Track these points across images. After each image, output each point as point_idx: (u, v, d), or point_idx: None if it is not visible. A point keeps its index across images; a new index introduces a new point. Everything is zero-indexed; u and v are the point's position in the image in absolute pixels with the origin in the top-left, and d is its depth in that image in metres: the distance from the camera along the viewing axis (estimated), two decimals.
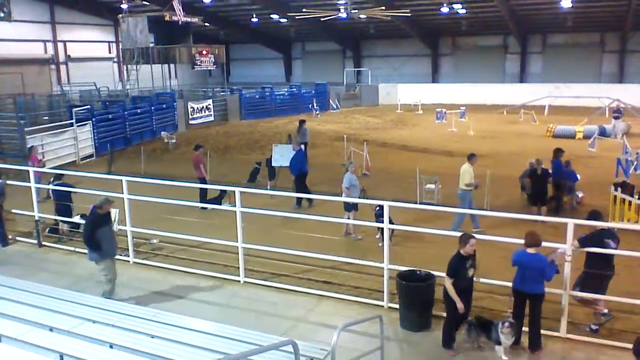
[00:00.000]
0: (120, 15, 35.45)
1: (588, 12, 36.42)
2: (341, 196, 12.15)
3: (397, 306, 8.50)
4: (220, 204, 13.76)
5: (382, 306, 8.78)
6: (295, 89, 39.54)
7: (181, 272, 10.26)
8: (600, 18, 37.84)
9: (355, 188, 12.24)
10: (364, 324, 7.38)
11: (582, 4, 33.73)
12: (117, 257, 10.95)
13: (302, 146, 16.61)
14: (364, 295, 9.20)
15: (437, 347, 7.75)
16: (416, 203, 13.78)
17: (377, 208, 10.92)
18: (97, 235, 8.75)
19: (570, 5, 32.77)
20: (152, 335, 6.29)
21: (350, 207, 11.93)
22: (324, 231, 11.78)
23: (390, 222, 10.53)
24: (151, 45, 34.75)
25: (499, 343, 7.31)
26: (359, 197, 12.38)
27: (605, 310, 8.02)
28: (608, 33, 40.17)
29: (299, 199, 14.48)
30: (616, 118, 25.28)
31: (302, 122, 20.89)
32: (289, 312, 8.81)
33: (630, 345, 7.45)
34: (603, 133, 24.16)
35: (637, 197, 12.49)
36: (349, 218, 11.90)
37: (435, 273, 8.38)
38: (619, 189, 12.90)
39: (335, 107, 38.94)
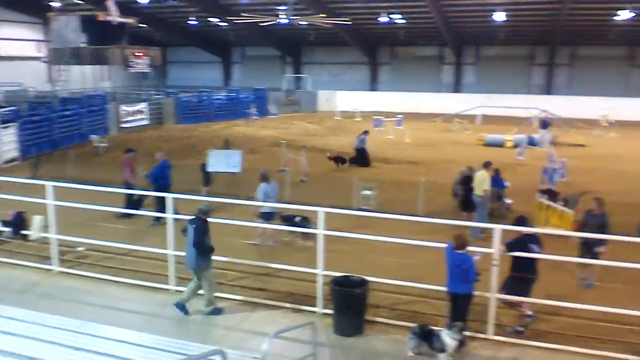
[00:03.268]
0: (50, 14, 34.05)
1: (519, 25, 38.01)
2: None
3: (331, 312, 8.50)
4: (139, 209, 13.44)
5: (316, 312, 8.77)
6: (234, 94, 39.15)
7: (108, 281, 9.90)
8: (530, 32, 39.58)
9: (271, 199, 12.12)
10: (297, 330, 7.33)
11: (513, 18, 35.18)
12: (40, 265, 10.56)
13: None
14: (299, 301, 9.16)
15: (369, 352, 7.80)
16: (351, 209, 13.88)
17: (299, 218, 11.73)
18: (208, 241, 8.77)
19: (502, 19, 34.14)
20: (76, 348, 6.07)
21: (268, 217, 11.81)
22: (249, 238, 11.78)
23: (306, 227, 11.06)
24: (82, 45, 33.57)
25: (442, 351, 7.40)
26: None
27: (530, 312, 8.31)
28: (537, 47, 42.03)
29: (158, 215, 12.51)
30: (543, 128, 26.45)
31: (365, 132, 22.33)
32: (222, 321, 8.67)
33: (554, 346, 7.79)
34: (532, 142, 25.20)
35: (561, 203, 13.06)
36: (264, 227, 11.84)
37: (369, 278, 8.45)
38: (545, 195, 13.48)
39: (274, 112, 38.83)
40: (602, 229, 9.51)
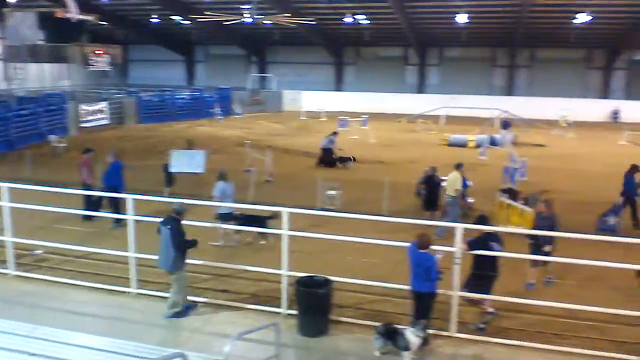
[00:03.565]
0: (5, 9, 32.99)
1: (481, 28, 38.68)
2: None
3: (296, 312, 8.46)
4: (98, 210, 13.14)
5: (281, 313, 8.71)
6: (197, 93, 38.64)
7: (67, 285, 9.62)
8: (491, 34, 40.33)
9: (228, 198, 12.04)
10: (261, 332, 7.25)
11: (475, 20, 35.79)
12: None
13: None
14: (263, 302, 9.08)
15: (333, 352, 7.79)
16: (316, 209, 13.86)
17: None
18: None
19: (465, 21, 34.68)
20: (30, 353, 5.88)
21: (226, 217, 11.69)
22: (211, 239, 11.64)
23: (262, 226, 11.06)
24: (40, 42, 32.67)
25: (407, 349, 7.44)
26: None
27: (491, 310, 8.44)
28: (498, 49, 42.87)
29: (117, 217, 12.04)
30: (505, 128, 26.96)
31: (334, 133, 22.59)
32: (185, 323, 8.52)
33: (515, 342, 7.92)
34: (494, 142, 25.65)
35: (521, 202, 13.32)
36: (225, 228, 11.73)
37: (333, 278, 8.45)
38: (506, 194, 13.71)
39: (238, 112, 38.54)
40: (551, 229, 9.57)
